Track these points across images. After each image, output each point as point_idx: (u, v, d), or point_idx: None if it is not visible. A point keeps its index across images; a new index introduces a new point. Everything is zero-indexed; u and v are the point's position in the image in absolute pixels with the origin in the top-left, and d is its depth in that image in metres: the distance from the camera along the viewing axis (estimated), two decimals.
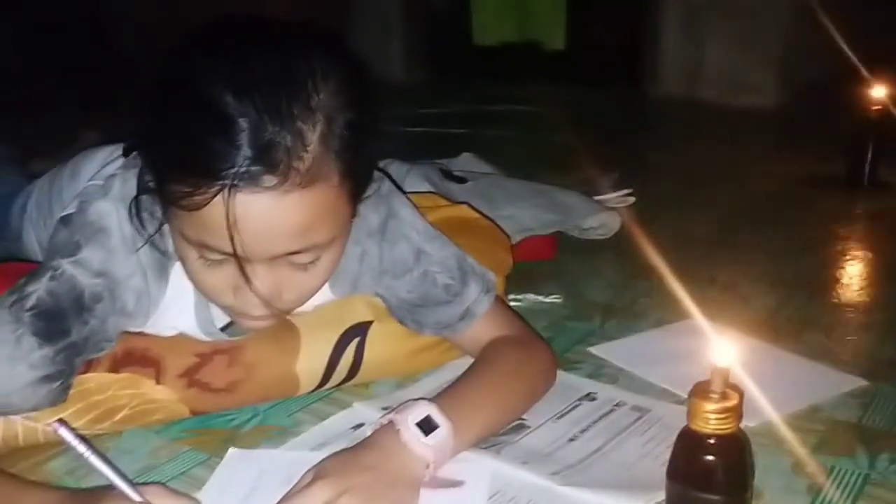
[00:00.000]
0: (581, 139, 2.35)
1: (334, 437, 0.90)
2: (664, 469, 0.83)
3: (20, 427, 0.86)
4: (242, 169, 0.66)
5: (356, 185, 0.76)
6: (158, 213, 0.78)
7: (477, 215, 1.23)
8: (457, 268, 0.97)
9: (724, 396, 0.65)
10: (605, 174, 1.85)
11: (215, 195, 0.67)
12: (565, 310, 1.27)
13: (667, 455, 0.85)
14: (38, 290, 0.79)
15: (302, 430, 0.93)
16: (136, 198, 0.80)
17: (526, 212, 1.47)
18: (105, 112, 2.51)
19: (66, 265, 0.80)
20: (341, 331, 0.99)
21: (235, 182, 0.67)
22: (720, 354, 0.65)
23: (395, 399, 0.98)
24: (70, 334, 0.80)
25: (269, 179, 0.67)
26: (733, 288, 1.35)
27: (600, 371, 1.07)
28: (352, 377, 1.01)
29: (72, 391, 0.86)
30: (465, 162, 1.80)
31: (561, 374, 1.01)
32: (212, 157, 0.67)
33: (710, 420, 0.65)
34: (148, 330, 0.90)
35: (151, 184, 0.75)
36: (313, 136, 0.69)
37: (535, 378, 0.97)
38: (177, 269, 0.85)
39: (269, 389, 0.97)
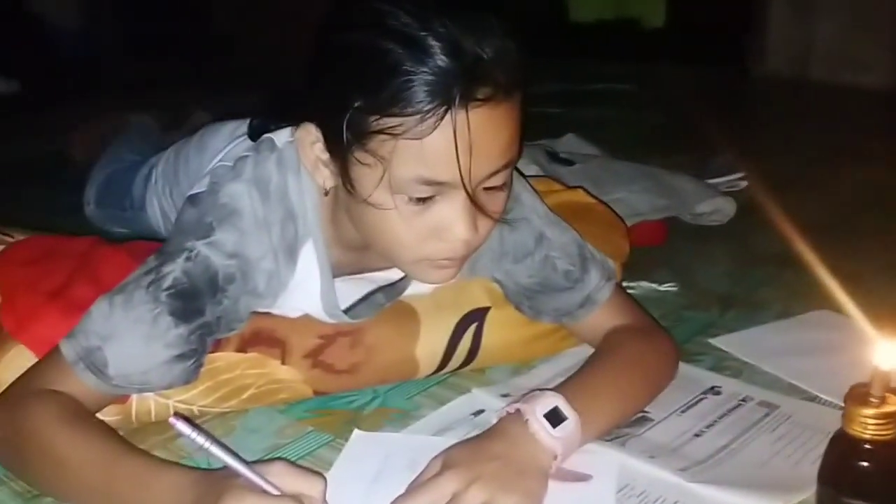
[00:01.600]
0: (684, 119, 2.29)
1: (456, 423, 0.90)
2: (798, 469, 0.81)
3: (153, 403, 0.88)
4: (459, 86, 0.68)
5: (523, 114, 0.77)
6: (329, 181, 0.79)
7: (592, 200, 1.21)
8: (577, 254, 0.95)
9: (883, 401, 0.62)
10: (715, 156, 1.79)
11: (441, 118, 0.69)
12: (681, 299, 1.24)
13: (800, 454, 0.83)
14: (175, 270, 0.80)
15: (422, 413, 0.93)
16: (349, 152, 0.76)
17: (637, 196, 1.44)
18: (206, 88, 2.58)
19: (200, 246, 0.82)
20: (460, 315, 0.99)
21: (456, 100, 0.69)
22: (882, 356, 0.62)
23: (514, 386, 0.97)
24: (204, 314, 0.81)
25: (484, 91, 0.70)
26: (857, 278, 1.28)
27: (723, 364, 1.04)
28: (469, 362, 1.01)
29: (202, 369, 0.88)
30: (570, 143, 1.78)
31: (682, 367, 0.98)
32: (428, 82, 0.68)
33: (869, 425, 0.62)
34: (275, 311, 0.92)
35: (349, 139, 0.73)
36: (504, 49, 0.71)
37: (659, 369, 0.94)
38: (305, 252, 0.86)
39: (388, 372, 0.97)
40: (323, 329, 0.94)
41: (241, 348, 0.91)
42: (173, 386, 0.83)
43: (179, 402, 0.89)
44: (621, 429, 0.88)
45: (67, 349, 0.79)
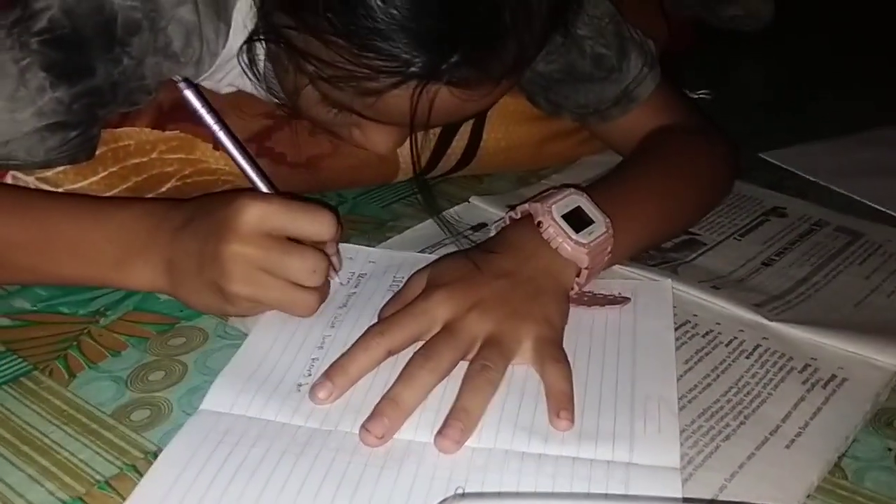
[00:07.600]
0: None
1: (450, 239, 0.68)
2: None
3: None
4: (448, 66, 0.47)
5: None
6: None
7: None
8: (613, 33, 0.71)
9: None
10: None
11: (396, 86, 0.48)
12: (718, 106, 1.01)
13: None
14: (52, 7, 0.54)
15: (403, 224, 0.71)
16: (252, 40, 0.58)
17: None
18: None
19: None
20: None
21: (434, 80, 0.48)
22: None
23: (521, 197, 0.75)
24: (94, 75, 0.56)
25: (475, 77, 0.49)
26: None
27: (782, 182, 0.83)
28: (464, 165, 0.78)
29: (103, 150, 0.63)
30: None
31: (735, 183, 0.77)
32: (418, 48, 0.47)
33: None
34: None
35: (291, 33, 0.51)
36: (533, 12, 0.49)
37: (714, 178, 0.73)
38: (240, 10, 0.60)
39: (359, 171, 0.74)
40: (272, 107, 0.69)
41: (159, 124, 0.66)
42: (53, 164, 0.59)
43: (73, 190, 0.65)
44: (666, 252, 0.67)
45: None
